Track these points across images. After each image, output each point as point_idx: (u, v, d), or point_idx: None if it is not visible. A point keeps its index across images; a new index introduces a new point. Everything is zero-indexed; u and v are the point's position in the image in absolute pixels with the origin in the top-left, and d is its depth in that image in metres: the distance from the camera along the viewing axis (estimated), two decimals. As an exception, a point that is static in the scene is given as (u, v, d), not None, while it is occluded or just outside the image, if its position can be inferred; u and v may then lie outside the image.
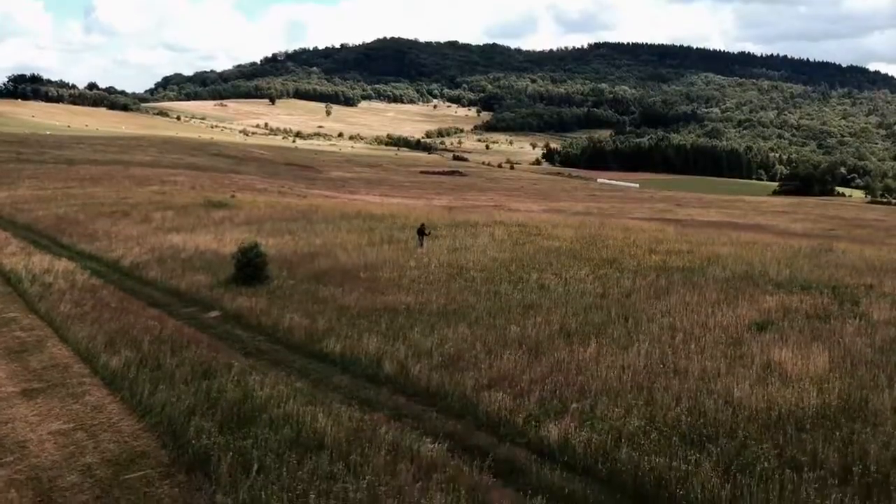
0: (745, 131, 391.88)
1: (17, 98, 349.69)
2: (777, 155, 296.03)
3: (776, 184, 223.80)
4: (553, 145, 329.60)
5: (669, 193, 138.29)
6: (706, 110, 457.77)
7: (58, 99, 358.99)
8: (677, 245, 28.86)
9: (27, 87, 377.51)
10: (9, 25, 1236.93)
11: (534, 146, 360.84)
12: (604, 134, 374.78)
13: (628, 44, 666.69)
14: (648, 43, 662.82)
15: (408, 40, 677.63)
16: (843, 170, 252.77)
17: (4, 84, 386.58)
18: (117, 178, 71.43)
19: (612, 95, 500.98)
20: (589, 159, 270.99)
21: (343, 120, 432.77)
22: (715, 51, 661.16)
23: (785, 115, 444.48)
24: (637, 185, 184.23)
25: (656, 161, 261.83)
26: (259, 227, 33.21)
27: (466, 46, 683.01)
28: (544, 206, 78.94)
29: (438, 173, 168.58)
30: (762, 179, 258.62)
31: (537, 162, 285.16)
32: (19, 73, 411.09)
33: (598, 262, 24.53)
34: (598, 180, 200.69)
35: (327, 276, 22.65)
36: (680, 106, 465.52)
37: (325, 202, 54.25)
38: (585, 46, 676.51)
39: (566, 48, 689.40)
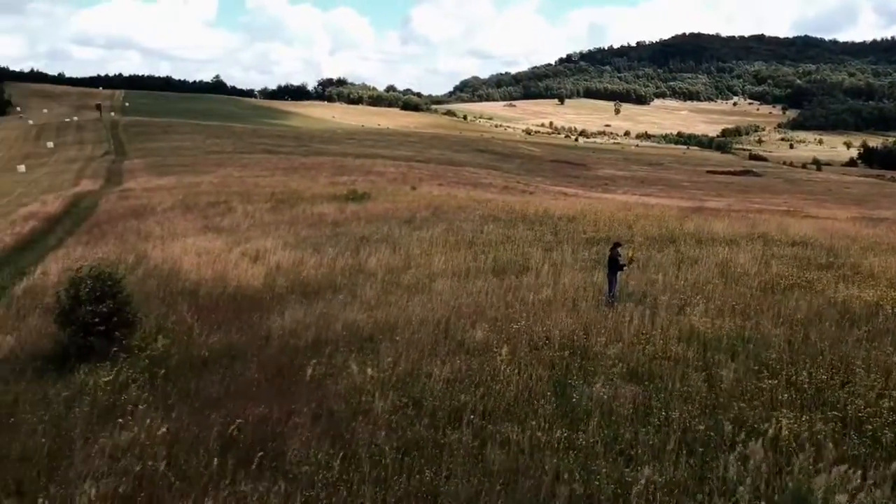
0: None
1: (324, 100, 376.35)
2: None
3: None
4: (872, 144, 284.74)
5: None
6: None
7: (358, 100, 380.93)
8: None
9: (333, 90, 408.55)
10: (341, 39, 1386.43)
11: (848, 146, 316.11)
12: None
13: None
14: None
15: (708, 35, 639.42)
16: None
17: (315, 88, 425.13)
18: (324, 167, 64.40)
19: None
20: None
21: (632, 118, 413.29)
22: None
23: None
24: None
25: None
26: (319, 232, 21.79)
27: (774, 39, 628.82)
28: (854, 213, 58.16)
29: (728, 173, 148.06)
30: None
31: (851, 163, 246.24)
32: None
33: None
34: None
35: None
36: None
37: (531, 200, 41.87)
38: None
39: (892, 38, 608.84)
